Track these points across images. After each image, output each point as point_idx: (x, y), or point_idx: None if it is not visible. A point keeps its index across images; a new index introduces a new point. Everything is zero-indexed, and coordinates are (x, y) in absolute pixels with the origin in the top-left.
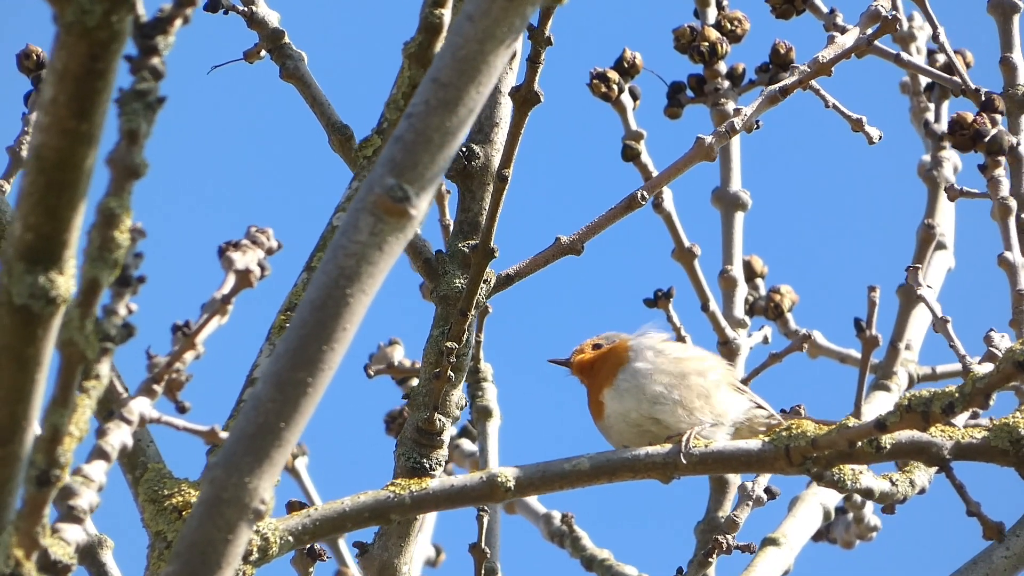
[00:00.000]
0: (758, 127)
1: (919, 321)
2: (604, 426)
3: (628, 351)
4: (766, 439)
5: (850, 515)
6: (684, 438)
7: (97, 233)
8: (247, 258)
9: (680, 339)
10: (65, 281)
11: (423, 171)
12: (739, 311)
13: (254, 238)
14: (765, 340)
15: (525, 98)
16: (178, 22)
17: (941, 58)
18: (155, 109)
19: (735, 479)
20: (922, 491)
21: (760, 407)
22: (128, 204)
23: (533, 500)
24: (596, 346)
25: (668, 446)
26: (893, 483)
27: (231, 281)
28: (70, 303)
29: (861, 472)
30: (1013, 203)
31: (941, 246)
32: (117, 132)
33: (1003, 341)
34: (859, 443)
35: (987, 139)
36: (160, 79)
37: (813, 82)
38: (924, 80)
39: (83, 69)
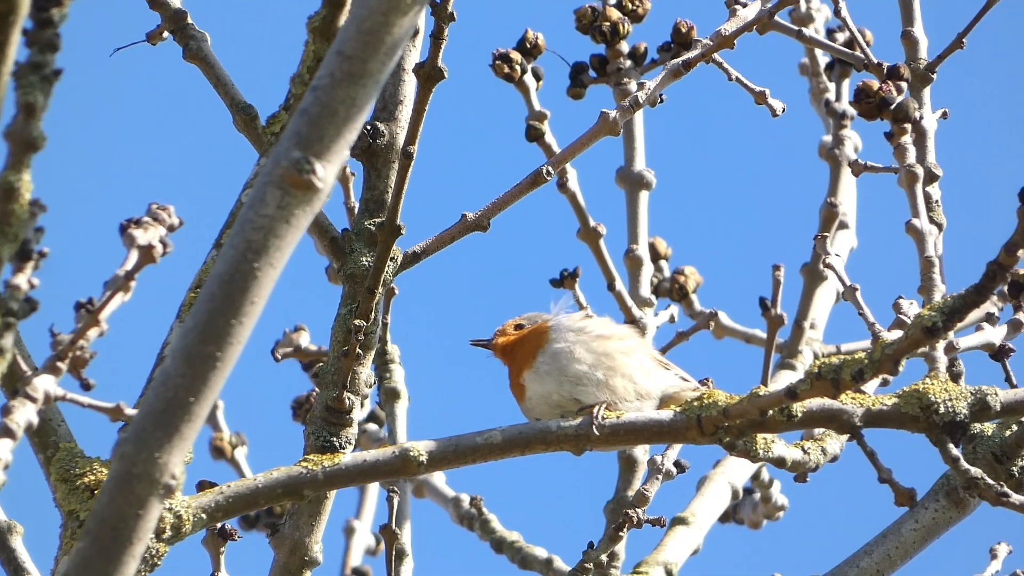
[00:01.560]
0: (662, 101)
1: (823, 300)
2: (526, 408)
3: (547, 332)
4: (677, 409)
5: (757, 494)
6: (595, 410)
7: None
8: (149, 235)
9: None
10: None
11: (329, 143)
12: (645, 290)
13: (155, 215)
14: (672, 319)
15: (429, 74)
16: None
17: (841, 36)
18: (52, 82)
19: (643, 458)
20: (834, 459)
21: (685, 379)
22: (27, 177)
23: (442, 483)
24: (518, 327)
25: (580, 418)
26: (805, 451)
27: (133, 258)
28: None
29: (773, 441)
30: (920, 170)
31: (843, 225)
32: (14, 106)
33: (912, 308)
34: (770, 412)
35: (893, 107)
36: (56, 52)
37: (716, 56)
38: (824, 61)
39: None
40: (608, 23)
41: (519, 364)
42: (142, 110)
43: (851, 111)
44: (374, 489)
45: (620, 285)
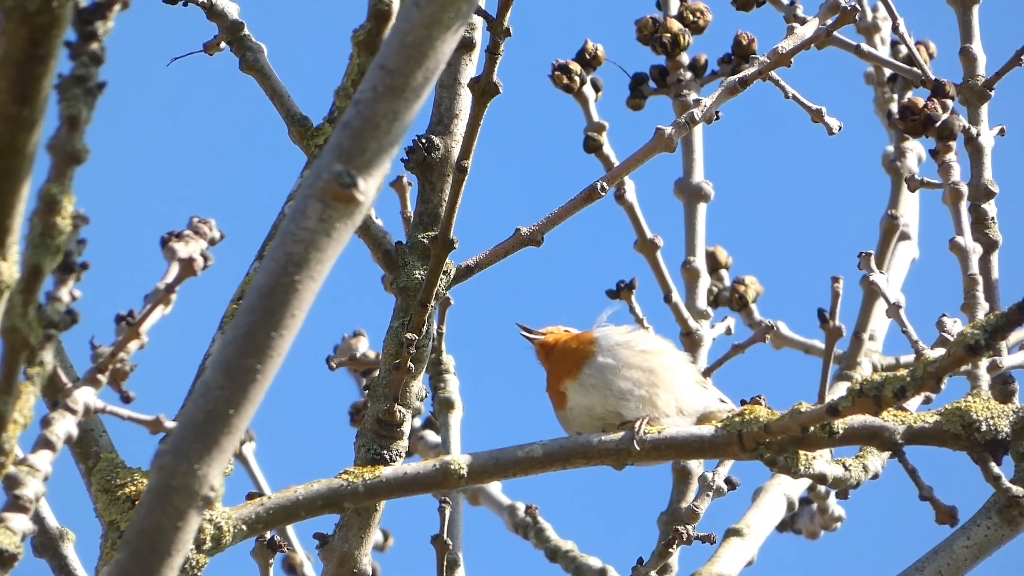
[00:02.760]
0: (718, 118)
1: (883, 312)
2: (564, 416)
3: (593, 343)
4: (718, 424)
5: (814, 505)
6: (637, 425)
7: (39, 219)
8: (190, 248)
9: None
10: (8, 267)
11: (371, 157)
12: (702, 302)
13: (196, 228)
14: (728, 331)
15: (484, 89)
16: (117, 7)
17: (904, 49)
18: (95, 95)
19: (697, 470)
20: (875, 476)
21: (723, 401)
22: (69, 190)
23: (497, 492)
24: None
25: (621, 433)
26: (846, 468)
27: (174, 270)
28: (13, 289)
29: (814, 457)
30: (964, 188)
31: (905, 236)
32: (58, 118)
33: (955, 326)
34: (811, 428)
35: (938, 124)
36: (100, 64)
37: (773, 73)
38: (888, 72)
39: (24, 55)
40: (669, 34)
41: (561, 372)
42: (198, 121)
43: None
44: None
45: (677, 296)
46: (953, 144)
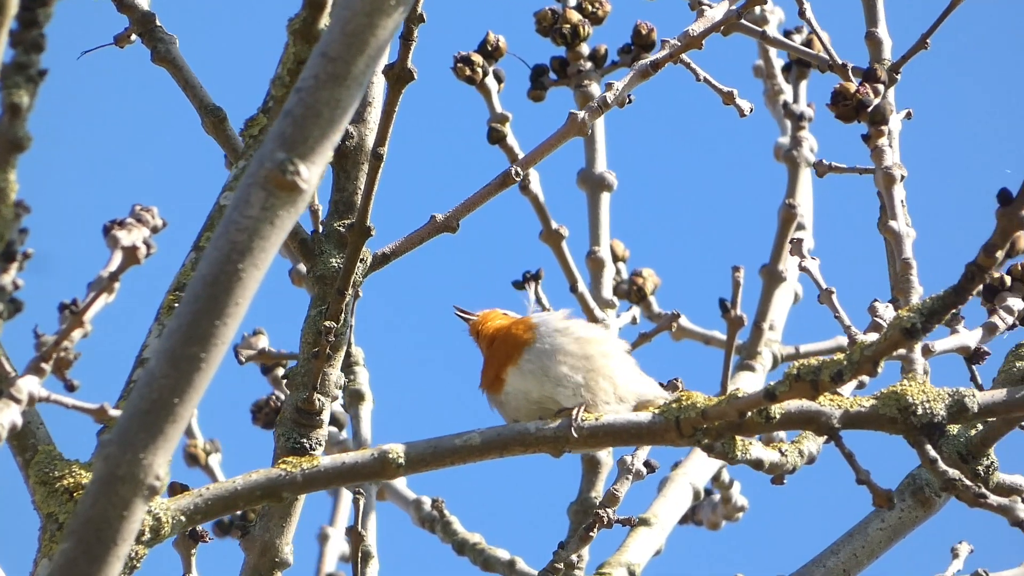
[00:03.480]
0: (630, 101)
1: (782, 301)
2: (499, 400)
3: (532, 329)
4: (656, 411)
5: (716, 496)
6: (574, 412)
7: None
8: (133, 236)
9: None
10: None
11: (313, 145)
12: (607, 292)
13: (139, 216)
14: (634, 321)
15: (399, 76)
16: None
17: (797, 38)
18: (37, 82)
19: (607, 459)
20: (811, 460)
21: (662, 387)
22: (12, 178)
23: (403, 486)
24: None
25: (559, 420)
26: (783, 453)
27: (117, 259)
28: None
29: (751, 443)
30: (898, 172)
31: (801, 227)
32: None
33: (887, 311)
34: (749, 413)
35: (870, 109)
36: (41, 52)
37: (684, 56)
38: (779, 63)
39: None
40: (568, 25)
41: (500, 358)
42: (120, 112)
43: (809, 113)
44: (348, 496)
45: (583, 286)
46: (885, 128)
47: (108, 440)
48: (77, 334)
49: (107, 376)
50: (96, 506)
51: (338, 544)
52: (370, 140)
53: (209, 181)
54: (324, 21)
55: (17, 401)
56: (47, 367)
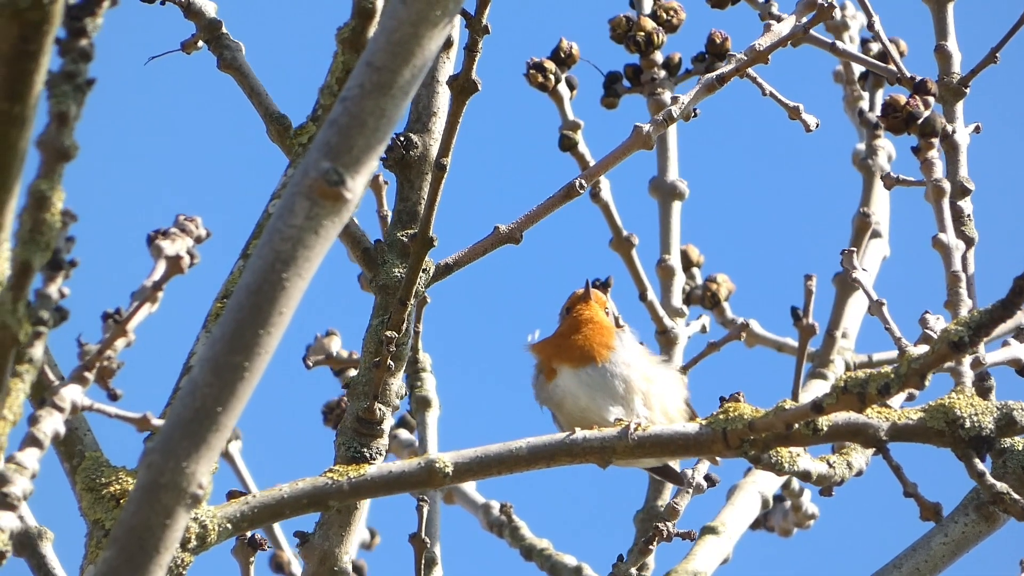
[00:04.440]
0: (695, 115)
1: (855, 309)
2: (548, 387)
3: (610, 349)
4: (703, 422)
5: (788, 503)
6: (631, 423)
7: (28, 216)
8: (176, 245)
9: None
10: None
11: (358, 155)
12: (677, 300)
13: (183, 226)
14: (703, 329)
15: (463, 87)
16: (106, 3)
17: (875, 47)
18: (84, 91)
19: (671, 467)
20: (859, 473)
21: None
22: (59, 187)
23: (472, 490)
24: (606, 311)
25: (606, 430)
26: (831, 465)
27: (161, 268)
28: (3, 286)
29: (798, 455)
30: (947, 184)
31: (876, 235)
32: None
33: (938, 323)
34: (796, 425)
35: (920, 121)
36: (89, 61)
37: (750, 70)
38: (858, 69)
39: (15, 51)
40: (642, 33)
41: (565, 353)
42: (175, 120)
43: None
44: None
45: (652, 295)
46: (935, 141)
47: (151, 448)
48: (120, 343)
49: (154, 385)
50: (139, 514)
51: (359, 532)
52: (434, 150)
53: (269, 189)
54: (372, 30)
55: (60, 410)
56: (90, 376)
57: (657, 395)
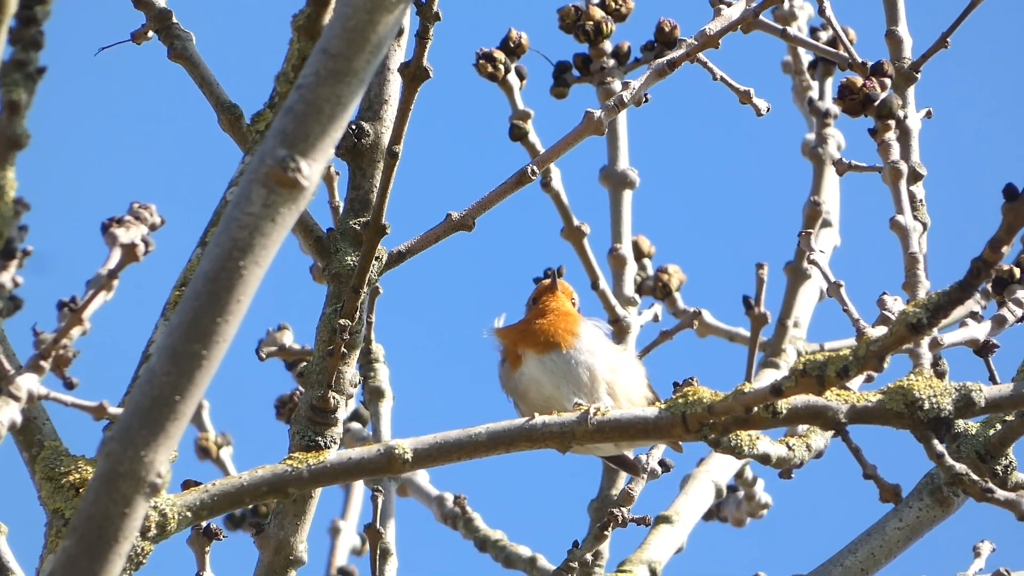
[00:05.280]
0: (647, 100)
1: (806, 298)
2: (512, 375)
3: (574, 336)
4: (662, 406)
5: (741, 492)
6: (591, 408)
7: None
8: (131, 233)
9: None
10: None
11: (314, 141)
12: (629, 289)
13: (137, 214)
14: (655, 318)
15: (414, 74)
16: None
17: (823, 35)
18: (35, 80)
19: (627, 456)
20: (818, 455)
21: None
22: (11, 175)
23: (425, 482)
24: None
25: (565, 415)
26: (790, 448)
27: (116, 256)
28: None
29: (758, 438)
30: (904, 166)
31: (827, 223)
32: None
33: (896, 305)
34: (755, 408)
35: (877, 103)
36: (39, 49)
37: (701, 55)
38: (807, 59)
39: None
40: (591, 22)
41: (530, 336)
42: (126, 109)
43: (834, 109)
44: (359, 489)
45: (604, 284)
46: (892, 123)
47: (110, 437)
48: (76, 332)
49: (110, 374)
50: (98, 503)
51: (350, 538)
52: (386, 138)
53: (224, 178)
54: (328, 17)
55: (16, 399)
56: (46, 365)
57: (622, 385)
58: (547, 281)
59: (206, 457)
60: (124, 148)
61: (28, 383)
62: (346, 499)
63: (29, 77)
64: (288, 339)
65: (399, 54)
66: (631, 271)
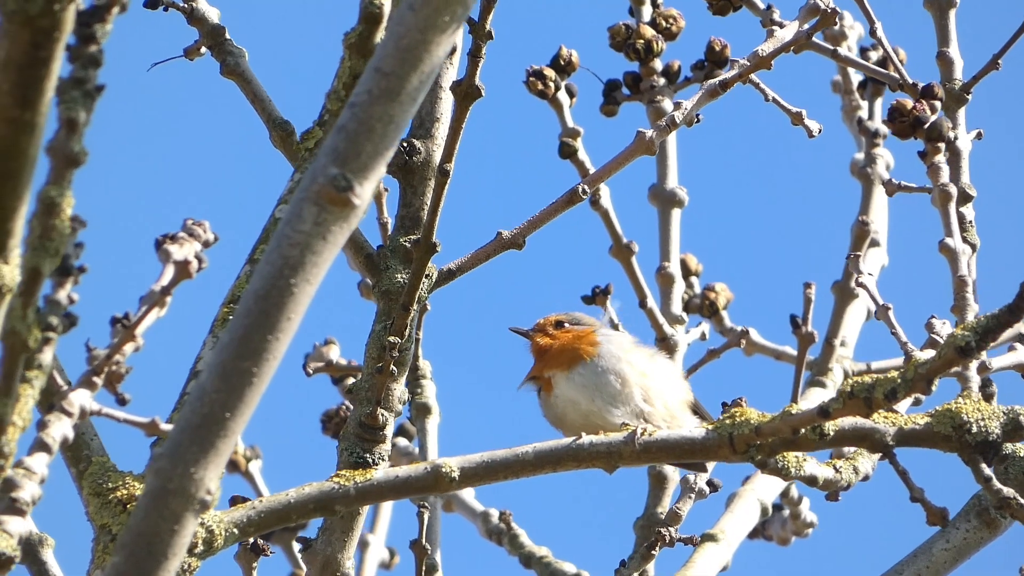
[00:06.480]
0: (698, 121)
1: (854, 318)
2: (549, 401)
3: (596, 347)
4: (709, 427)
5: (786, 511)
6: (638, 428)
7: (38, 222)
8: (184, 250)
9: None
10: (10, 271)
11: (366, 160)
12: (676, 308)
13: (191, 231)
14: (703, 336)
15: (466, 92)
16: (115, 9)
17: (873, 56)
18: (94, 97)
19: (673, 475)
20: (865, 478)
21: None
22: (68, 193)
23: (471, 498)
24: (558, 324)
25: (612, 435)
26: (837, 470)
27: (169, 273)
28: (13, 292)
29: (805, 459)
30: (954, 189)
31: (875, 243)
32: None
33: (944, 328)
34: (802, 430)
35: (927, 126)
36: (99, 67)
37: (753, 76)
38: (856, 79)
39: (26, 58)
40: (642, 41)
41: (553, 359)
42: (179, 126)
43: (884, 129)
44: (389, 503)
45: (652, 302)
46: (942, 146)
47: (160, 454)
48: (129, 348)
49: (161, 389)
50: (147, 519)
51: (378, 551)
52: (437, 156)
53: (274, 194)
54: (379, 36)
55: (69, 415)
56: (99, 381)
57: (656, 389)
58: (525, 333)
59: (235, 471)
60: (176, 164)
61: (81, 399)
62: (375, 513)
63: (88, 95)
64: (335, 354)
65: (451, 72)
66: (679, 289)
